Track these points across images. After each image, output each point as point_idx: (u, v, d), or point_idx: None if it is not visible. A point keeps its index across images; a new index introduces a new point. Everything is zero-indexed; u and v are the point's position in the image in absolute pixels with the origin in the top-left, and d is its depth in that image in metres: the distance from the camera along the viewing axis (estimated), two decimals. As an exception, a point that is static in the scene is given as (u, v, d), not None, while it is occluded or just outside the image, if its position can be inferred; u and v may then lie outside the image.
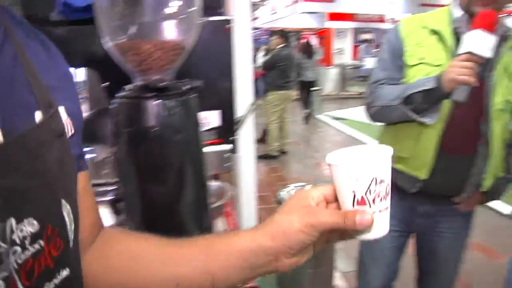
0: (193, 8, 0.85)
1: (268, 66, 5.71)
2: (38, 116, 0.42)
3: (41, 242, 0.38)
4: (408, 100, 1.42)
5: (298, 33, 18.98)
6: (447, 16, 1.50)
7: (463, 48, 1.31)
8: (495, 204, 3.66)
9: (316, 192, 0.54)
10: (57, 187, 0.41)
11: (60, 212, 0.41)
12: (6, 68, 0.41)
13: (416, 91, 1.40)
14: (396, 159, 1.43)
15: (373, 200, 0.51)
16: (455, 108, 1.40)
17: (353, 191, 0.51)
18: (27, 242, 0.36)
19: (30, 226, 0.36)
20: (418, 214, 1.60)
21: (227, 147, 1.26)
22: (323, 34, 13.91)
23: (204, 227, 0.90)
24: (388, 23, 13.18)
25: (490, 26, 1.28)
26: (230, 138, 1.28)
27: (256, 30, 23.01)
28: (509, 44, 1.45)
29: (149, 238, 0.58)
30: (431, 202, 1.57)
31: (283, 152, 5.99)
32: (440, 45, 1.46)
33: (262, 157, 5.78)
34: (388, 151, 0.53)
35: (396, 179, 1.43)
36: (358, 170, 0.50)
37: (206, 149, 0.92)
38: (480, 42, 1.28)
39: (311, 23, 16.18)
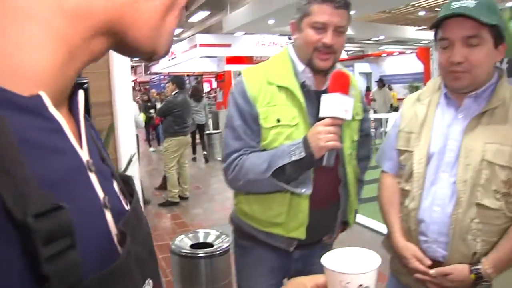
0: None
1: (162, 113, 5.73)
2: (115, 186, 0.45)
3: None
4: (277, 171, 1.37)
5: (199, 77, 19.30)
6: (291, 69, 1.48)
7: (325, 112, 1.32)
8: (375, 225, 4.01)
9: (310, 282, 0.64)
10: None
11: (157, 268, 0.47)
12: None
13: (285, 163, 1.36)
14: (270, 225, 1.48)
15: None
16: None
17: None
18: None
19: (148, 285, 0.41)
20: (294, 259, 1.61)
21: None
22: (222, 78, 14.36)
23: None
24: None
25: (346, 88, 1.33)
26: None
27: (156, 76, 23.02)
28: None
29: None
30: (304, 247, 1.59)
31: (184, 198, 5.95)
32: (291, 102, 1.44)
33: (163, 204, 5.69)
34: (377, 260, 0.63)
35: (272, 242, 1.50)
36: (347, 278, 0.60)
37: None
38: (340, 105, 1.30)
39: (211, 66, 16.65)
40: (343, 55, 16.18)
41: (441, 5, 10.97)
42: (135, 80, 26.19)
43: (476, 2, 1.21)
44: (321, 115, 1.32)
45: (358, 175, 1.65)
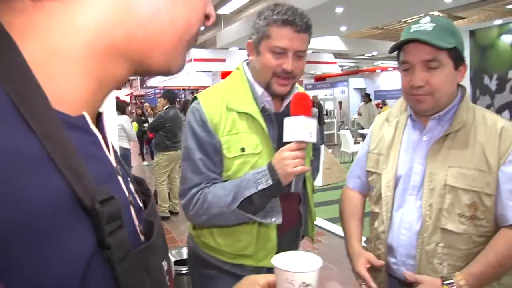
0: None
1: (153, 128, 5.74)
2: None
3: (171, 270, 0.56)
4: (244, 201, 1.31)
5: (194, 91, 19.37)
6: (250, 93, 1.41)
7: (289, 136, 1.26)
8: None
9: (263, 279, 0.78)
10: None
11: (168, 254, 0.58)
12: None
13: (252, 193, 1.29)
14: (237, 256, 1.42)
15: None
16: None
17: None
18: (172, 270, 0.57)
19: (165, 266, 0.52)
20: None
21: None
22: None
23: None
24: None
25: (309, 110, 1.28)
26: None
27: (151, 90, 23.07)
28: None
29: None
30: (271, 270, 1.54)
31: (174, 213, 5.93)
32: (253, 129, 1.37)
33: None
34: (318, 262, 0.75)
35: (240, 272, 1.40)
36: (292, 276, 0.72)
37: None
38: (304, 128, 1.25)
39: (207, 81, 16.72)
40: (338, 70, 16.42)
41: (433, 22, 11.16)
42: (131, 93, 26.26)
43: (434, 25, 1.21)
44: (285, 139, 1.27)
45: (314, 188, 1.65)
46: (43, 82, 0.39)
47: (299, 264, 0.74)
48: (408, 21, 10.62)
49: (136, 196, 0.52)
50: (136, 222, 0.48)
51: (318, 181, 6.77)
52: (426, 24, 1.22)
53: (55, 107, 0.39)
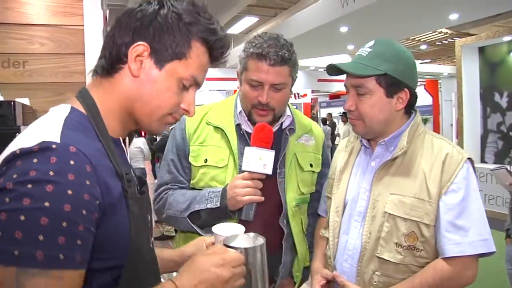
0: None
1: (159, 148, 5.83)
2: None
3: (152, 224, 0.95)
4: (194, 213, 1.38)
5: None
6: (232, 110, 1.47)
7: (244, 165, 1.31)
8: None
9: (208, 239, 1.10)
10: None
11: (152, 215, 0.96)
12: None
13: (201, 208, 1.36)
14: None
15: None
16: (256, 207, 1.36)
17: None
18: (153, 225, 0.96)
19: (151, 219, 0.94)
20: None
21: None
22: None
23: None
24: (292, 97, 14.17)
25: (265, 141, 1.31)
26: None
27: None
28: (295, 136, 1.50)
29: None
30: None
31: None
32: (225, 144, 1.43)
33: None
34: (240, 229, 1.05)
35: None
36: (220, 238, 0.99)
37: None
38: (257, 159, 1.29)
39: (221, 99, 16.87)
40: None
41: (443, 39, 11.08)
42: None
43: (370, 50, 1.21)
44: (242, 168, 1.33)
45: (309, 229, 1.57)
46: (105, 120, 0.83)
47: (229, 231, 1.00)
48: (416, 39, 10.61)
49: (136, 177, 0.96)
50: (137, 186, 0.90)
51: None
52: (365, 48, 1.23)
53: (109, 133, 0.83)
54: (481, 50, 7.13)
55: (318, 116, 17.18)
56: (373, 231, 1.23)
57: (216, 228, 1.04)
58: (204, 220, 1.39)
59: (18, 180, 0.63)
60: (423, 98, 16.49)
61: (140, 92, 0.82)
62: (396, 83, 1.21)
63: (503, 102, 6.78)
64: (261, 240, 0.94)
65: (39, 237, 0.61)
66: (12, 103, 1.64)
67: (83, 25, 2.41)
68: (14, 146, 0.69)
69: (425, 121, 16.38)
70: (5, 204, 0.62)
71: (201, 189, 1.45)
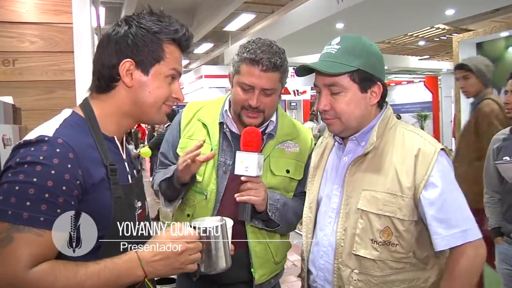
0: None
1: (155, 146, 5.83)
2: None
3: (144, 209, 1.12)
4: (161, 186, 1.52)
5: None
6: (221, 108, 1.54)
7: (237, 169, 1.37)
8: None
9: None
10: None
11: (145, 200, 1.14)
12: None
13: (163, 178, 1.48)
14: None
15: None
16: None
17: None
18: (146, 211, 1.15)
19: (139, 204, 1.09)
20: None
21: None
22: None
23: None
24: (292, 94, 14.18)
25: (246, 145, 1.37)
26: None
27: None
28: (274, 142, 1.54)
29: None
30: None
31: (176, 229, 5.96)
32: (208, 140, 1.50)
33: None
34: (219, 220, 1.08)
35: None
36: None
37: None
38: (238, 162, 1.36)
39: (219, 96, 16.84)
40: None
41: (441, 35, 11.05)
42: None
43: (339, 47, 1.20)
44: (235, 172, 1.39)
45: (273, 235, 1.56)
46: (100, 122, 1.02)
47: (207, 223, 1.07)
48: (414, 35, 10.59)
49: (134, 171, 1.13)
50: (129, 177, 1.09)
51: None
52: (333, 46, 1.22)
53: (102, 131, 1.01)
54: (479, 45, 7.10)
55: (318, 113, 17.14)
56: (348, 227, 1.21)
57: (196, 221, 1.08)
58: (164, 190, 1.53)
59: (19, 161, 0.88)
60: (423, 95, 16.46)
61: (137, 97, 1.03)
62: (369, 77, 1.21)
63: (501, 98, 6.78)
64: (223, 221, 1.04)
65: (27, 203, 0.85)
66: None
67: (72, 23, 2.41)
68: (24, 138, 0.94)
69: (425, 117, 16.37)
70: (8, 177, 0.88)
71: None
